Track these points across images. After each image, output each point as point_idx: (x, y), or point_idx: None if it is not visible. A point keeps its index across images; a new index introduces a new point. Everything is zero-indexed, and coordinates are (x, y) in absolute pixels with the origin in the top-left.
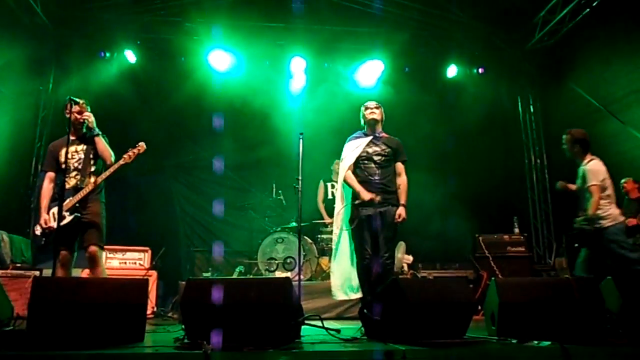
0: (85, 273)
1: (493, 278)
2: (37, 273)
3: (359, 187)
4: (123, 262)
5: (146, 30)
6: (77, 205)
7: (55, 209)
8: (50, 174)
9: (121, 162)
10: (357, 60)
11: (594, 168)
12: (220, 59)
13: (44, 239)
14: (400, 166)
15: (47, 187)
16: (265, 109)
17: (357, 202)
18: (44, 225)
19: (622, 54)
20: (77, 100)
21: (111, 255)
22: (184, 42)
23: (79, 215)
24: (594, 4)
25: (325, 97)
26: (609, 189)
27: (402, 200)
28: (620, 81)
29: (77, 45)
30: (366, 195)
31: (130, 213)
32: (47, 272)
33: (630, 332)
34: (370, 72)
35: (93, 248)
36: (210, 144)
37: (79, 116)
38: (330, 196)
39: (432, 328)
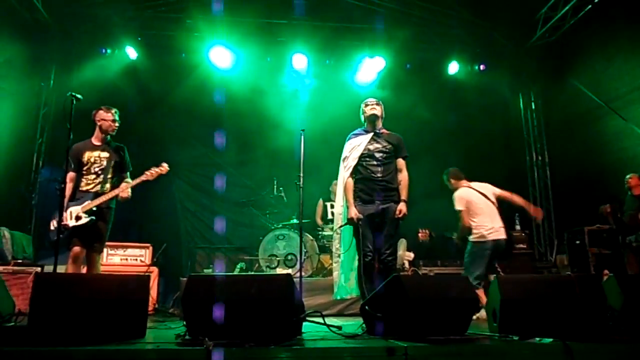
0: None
1: (495, 275)
2: (38, 269)
3: (350, 203)
4: (124, 258)
5: (147, 27)
6: (95, 209)
7: (72, 209)
8: (71, 174)
9: (143, 178)
10: (358, 57)
11: (457, 195)
12: (221, 56)
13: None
14: (401, 162)
15: (68, 187)
16: (266, 105)
17: (345, 223)
18: (62, 225)
19: (625, 51)
20: (78, 96)
21: (112, 252)
22: (184, 38)
23: (94, 218)
24: (596, 0)
25: (326, 93)
26: (478, 211)
27: (403, 197)
28: (622, 78)
29: (78, 42)
30: (352, 213)
31: (131, 210)
32: (49, 268)
33: (632, 329)
34: (372, 69)
35: (94, 254)
36: (211, 141)
37: (114, 125)
38: (330, 216)
39: (434, 325)
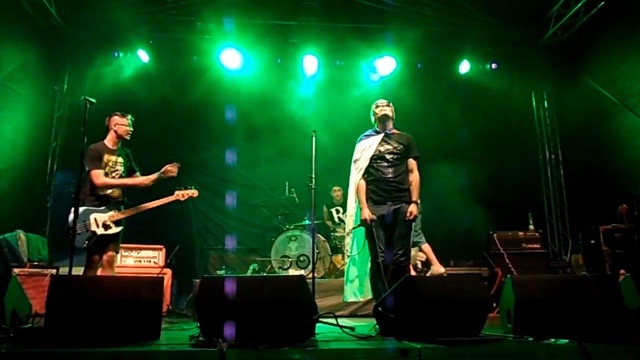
0: (99, 271)
1: (509, 275)
2: (53, 271)
3: (363, 204)
4: (138, 260)
5: (159, 30)
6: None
7: (96, 215)
8: (98, 171)
9: (173, 198)
10: (369, 57)
11: None
12: (232, 58)
13: (87, 242)
14: (412, 162)
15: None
16: (277, 107)
17: (358, 224)
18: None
19: (639, 48)
20: (92, 100)
21: (126, 254)
22: (196, 41)
23: (123, 228)
24: None
25: (337, 94)
26: None
27: (414, 197)
28: (637, 75)
29: (91, 46)
30: (365, 214)
31: (145, 212)
32: (64, 270)
33: None
34: (383, 69)
35: (111, 257)
36: (223, 142)
37: (128, 129)
38: (337, 220)
39: (447, 326)
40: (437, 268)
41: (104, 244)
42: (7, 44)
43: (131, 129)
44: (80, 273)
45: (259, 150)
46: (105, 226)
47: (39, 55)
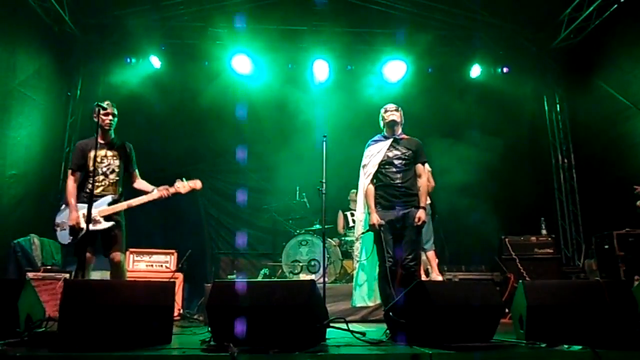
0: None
1: (521, 280)
2: (66, 275)
3: (371, 209)
4: (150, 264)
5: (170, 36)
6: (115, 214)
7: (84, 210)
8: (77, 174)
9: (172, 190)
10: (379, 61)
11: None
12: (243, 63)
13: (71, 237)
14: (420, 167)
15: (73, 186)
16: (288, 111)
17: (366, 230)
18: (75, 225)
19: None
20: (104, 105)
21: (138, 258)
22: (207, 46)
23: (114, 223)
24: (622, 0)
25: (348, 99)
26: None
27: (422, 203)
28: None
29: (103, 52)
30: (373, 219)
31: (156, 217)
32: None
33: None
34: (394, 74)
35: (118, 257)
36: (233, 147)
37: (105, 118)
38: (351, 223)
39: (459, 331)
40: (435, 276)
41: (99, 242)
42: (21, 50)
43: (110, 117)
44: (95, 277)
45: (270, 155)
46: (94, 221)
47: (52, 62)
